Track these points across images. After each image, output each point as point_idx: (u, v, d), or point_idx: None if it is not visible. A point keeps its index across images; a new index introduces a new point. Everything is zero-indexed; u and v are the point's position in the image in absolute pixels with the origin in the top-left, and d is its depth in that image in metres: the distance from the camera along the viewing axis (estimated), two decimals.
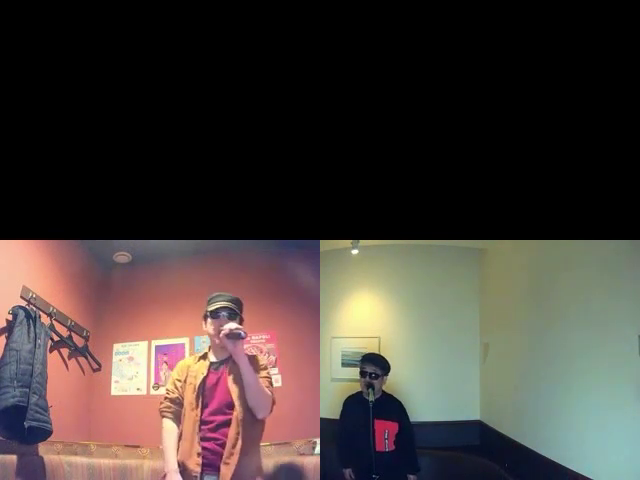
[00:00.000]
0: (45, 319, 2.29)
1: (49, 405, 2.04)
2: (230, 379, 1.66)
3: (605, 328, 1.81)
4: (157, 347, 2.89)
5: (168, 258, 2.91)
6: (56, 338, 2.42)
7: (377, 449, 2.32)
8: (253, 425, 1.65)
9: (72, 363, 2.64)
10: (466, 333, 3.40)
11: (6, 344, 1.95)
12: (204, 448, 1.59)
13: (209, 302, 1.72)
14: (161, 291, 2.92)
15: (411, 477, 2.43)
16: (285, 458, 2.27)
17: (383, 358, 2.52)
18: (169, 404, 1.72)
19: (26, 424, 1.87)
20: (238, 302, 1.73)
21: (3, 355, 1.92)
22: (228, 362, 1.69)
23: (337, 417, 2.56)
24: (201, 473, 1.57)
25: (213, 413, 1.63)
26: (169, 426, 1.70)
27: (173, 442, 1.65)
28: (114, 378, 2.88)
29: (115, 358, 2.91)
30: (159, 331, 2.90)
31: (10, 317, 2.02)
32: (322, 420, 2.35)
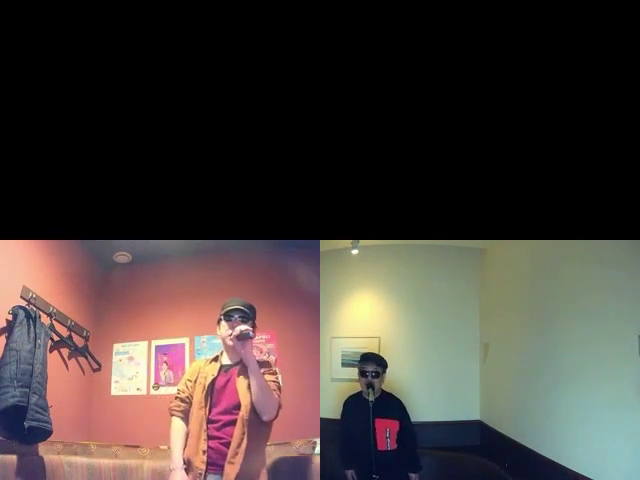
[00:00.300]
0: (45, 319, 2.29)
1: (49, 405, 2.04)
2: (239, 381, 1.68)
3: (605, 328, 1.81)
4: (157, 347, 2.90)
5: (168, 258, 2.91)
6: (56, 338, 2.42)
7: (379, 448, 2.32)
8: (259, 426, 1.66)
9: (72, 363, 2.64)
10: (466, 333, 3.40)
11: (6, 344, 1.95)
12: (209, 447, 1.60)
13: (223, 307, 1.75)
14: (161, 291, 2.92)
15: (413, 476, 2.42)
16: (285, 458, 2.27)
17: (380, 356, 2.53)
18: (179, 403, 1.74)
19: (26, 424, 1.87)
20: (251, 308, 1.77)
21: (3, 355, 1.92)
22: (239, 365, 1.71)
23: (337, 417, 2.55)
24: (205, 471, 1.59)
25: (220, 413, 1.65)
26: (177, 424, 1.72)
27: (180, 440, 1.67)
28: (114, 378, 2.89)
29: (115, 358, 2.92)
30: (159, 331, 2.91)
31: (10, 317, 2.02)
32: (322, 420, 2.35)
